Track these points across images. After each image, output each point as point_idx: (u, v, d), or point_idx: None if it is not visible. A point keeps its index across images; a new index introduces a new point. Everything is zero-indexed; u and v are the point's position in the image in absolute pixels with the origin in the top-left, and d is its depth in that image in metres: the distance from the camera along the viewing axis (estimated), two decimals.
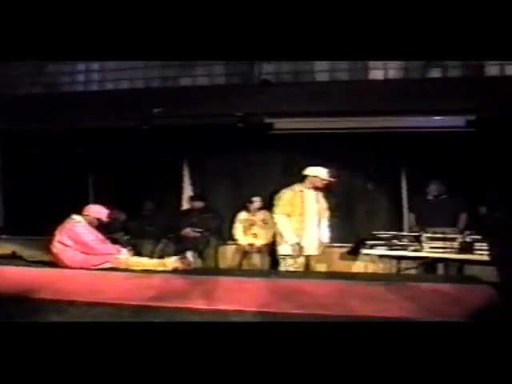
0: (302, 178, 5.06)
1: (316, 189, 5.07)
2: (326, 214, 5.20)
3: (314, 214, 5.02)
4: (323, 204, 5.18)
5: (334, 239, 5.59)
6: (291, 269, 4.94)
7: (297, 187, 4.99)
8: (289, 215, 4.94)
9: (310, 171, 5.07)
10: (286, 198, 4.92)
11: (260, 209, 6.39)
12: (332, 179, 5.05)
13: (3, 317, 2.92)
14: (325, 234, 5.20)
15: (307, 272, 4.96)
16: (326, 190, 5.12)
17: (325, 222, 5.19)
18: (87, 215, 5.00)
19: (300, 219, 4.95)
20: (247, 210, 6.45)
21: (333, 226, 5.48)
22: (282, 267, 5.02)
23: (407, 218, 6.26)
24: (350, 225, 6.44)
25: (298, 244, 4.89)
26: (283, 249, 5.00)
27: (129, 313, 3.19)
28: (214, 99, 6.22)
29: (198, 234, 6.29)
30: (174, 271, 4.62)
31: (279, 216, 4.96)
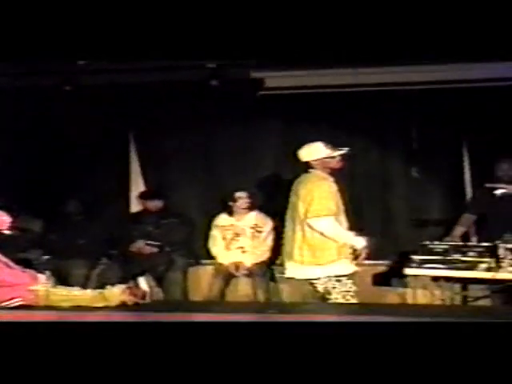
0: (307, 164, 4.42)
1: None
2: None
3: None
4: None
5: None
6: (349, 297, 4.27)
7: (321, 174, 4.36)
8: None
9: (320, 150, 4.38)
10: (328, 189, 4.31)
11: (249, 209, 5.58)
12: (345, 153, 4.54)
13: None
14: None
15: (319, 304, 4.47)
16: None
17: None
18: None
19: (339, 223, 4.38)
20: (229, 211, 5.68)
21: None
22: (336, 295, 4.29)
23: (469, 219, 5.15)
24: (384, 231, 5.68)
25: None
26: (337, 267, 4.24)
27: None
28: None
29: (156, 250, 5.65)
30: (120, 307, 3.91)
31: (329, 220, 4.25)
